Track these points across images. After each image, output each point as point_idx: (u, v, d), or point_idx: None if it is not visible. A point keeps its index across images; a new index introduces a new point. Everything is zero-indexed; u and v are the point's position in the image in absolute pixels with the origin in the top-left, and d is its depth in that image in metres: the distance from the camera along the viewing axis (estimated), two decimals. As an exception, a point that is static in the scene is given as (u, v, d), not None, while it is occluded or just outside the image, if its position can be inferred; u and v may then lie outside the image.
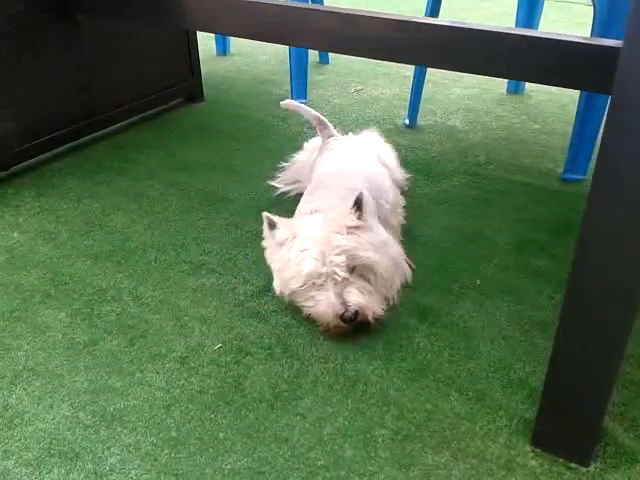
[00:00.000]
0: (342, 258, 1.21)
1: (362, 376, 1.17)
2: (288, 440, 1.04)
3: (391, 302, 1.32)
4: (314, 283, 1.23)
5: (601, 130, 0.80)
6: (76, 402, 1.12)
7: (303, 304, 1.27)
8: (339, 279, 1.21)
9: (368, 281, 1.26)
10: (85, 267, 1.48)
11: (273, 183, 1.79)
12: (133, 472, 0.99)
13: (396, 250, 1.38)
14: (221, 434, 1.05)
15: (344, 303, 1.20)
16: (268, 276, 1.43)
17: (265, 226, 1.31)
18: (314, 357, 1.21)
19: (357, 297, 1.21)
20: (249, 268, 1.47)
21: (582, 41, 1.08)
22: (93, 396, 1.13)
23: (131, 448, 1.03)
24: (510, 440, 1.03)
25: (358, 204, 1.28)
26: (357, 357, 1.21)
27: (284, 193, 1.76)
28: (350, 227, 1.25)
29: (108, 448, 1.04)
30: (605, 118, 0.79)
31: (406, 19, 1.32)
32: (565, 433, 0.99)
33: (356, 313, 1.20)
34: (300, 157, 1.81)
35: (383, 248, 1.31)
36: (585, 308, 0.89)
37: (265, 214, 1.30)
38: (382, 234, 1.36)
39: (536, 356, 1.20)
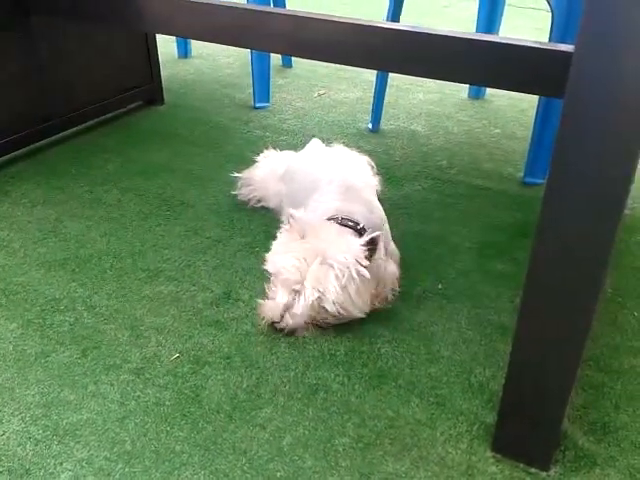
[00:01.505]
0: (314, 296, 1.20)
1: (323, 384, 1.15)
2: (247, 452, 1.01)
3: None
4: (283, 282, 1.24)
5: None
6: (27, 416, 1.08)
7: (269, 287, 1.29)
8: (298, 294, 1.22)
9: (319, 313, 1.24)
10: (38, 276, 1.43)
11: (235, 192, 1.75)
12: (85, 489, 0.96)
13: (390, 270, 1.36)
14: (178, 447, 1.02)
15: (283, 316, 1.23)
16: (228, 283, 1.41)
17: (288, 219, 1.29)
18: (274, 365, 1.19)
19: (296, 322, 1.23)
20: (209, 275, 1.44)
21: (536, 46, 1.09)
22: (45, 410, 1.09)
23: (84, 463, 1.00)
24: (471, 446, 1.03)
25: (373, 244, 1.23)
26: (318, 364, 1.19)
27: (246, 200, 1.73)
28: (350, 277, 1.20)
29: (60, 463, 1.00)
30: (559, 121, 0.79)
31: (359, 23, 1.31)
32: (525, 438, 0.99)
33: (282, 330, 1.25)
34: (255, 172, 1.75)
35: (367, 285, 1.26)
36: (542, 312, 0.89)
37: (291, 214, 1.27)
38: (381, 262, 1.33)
39: (496, 360, 1.20)
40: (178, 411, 1.09)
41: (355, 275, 1.20)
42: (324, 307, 1.21)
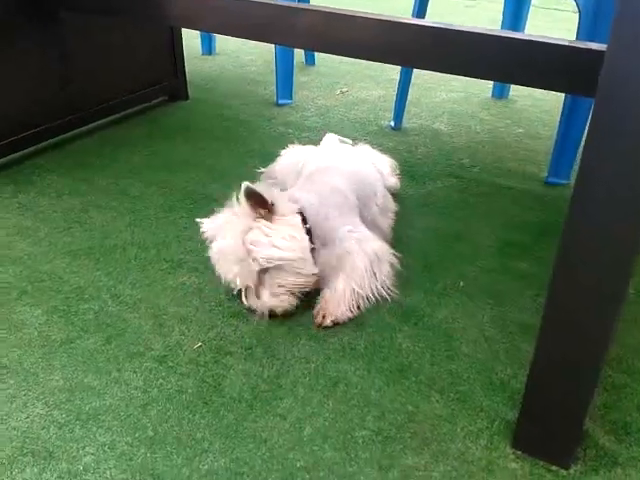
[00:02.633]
0: (260, 249, 1.22)
1: (343, 377, 1.15)
2: (267, 441, 1.02)
3: (372, 299, 1.32)
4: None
5: (585, 135, 0.80)
6: (51, 401, 1.10)
7: None
8: (253, 286, 1.26)
9: (282, 278, 1.26)
10: (63, 264, 1.45)
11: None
12: (108, 472, 0.97)
13: (378, 246, 1.37)
14: (199, 434, 1.03)
15: (258, 306, 1.27)
16: (250, 275, 1.42)
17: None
18: (295, 357, 1.20)
19: (267, 300, 1.26)
20: (231, 267, 1.45)
21: (567, 44, 1.09)
22: (68, 395, 1.11)
23: (106, 448, 1.01)
24: (491, 442, 1.02)
25: (251, 196, 1.26)
26: (338, 357, 1.20)
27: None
28: (253, 228, 1.25)
29: (83, 447, 1.01)
30: (589, 122, 0.78)
31: (391, 19, 1.31)
32: (546, 436, 0.99)
33: (269, 313, 1.27)
34: (276, 166, 1.77)
35: (299, 241, 1.28)
36: (567, 311, 0.89)
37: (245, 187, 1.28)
38: (357, 231, 1.37)
39: (518, 358, 1.19)
40: (200, 399, 1.10)
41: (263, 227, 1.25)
42: (270, 263, 1.23)
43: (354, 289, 1.30)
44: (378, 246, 1.37)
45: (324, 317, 1.27)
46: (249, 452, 1.00)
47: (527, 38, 1.10)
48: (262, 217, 1.27)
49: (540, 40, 1.12)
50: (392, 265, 1.38)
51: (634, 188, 0.77)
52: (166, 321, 1.28)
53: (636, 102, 0.73)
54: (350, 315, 1.28)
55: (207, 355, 1.19)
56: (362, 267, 1.31)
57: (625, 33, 0.72)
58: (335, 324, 1.27)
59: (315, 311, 1.29)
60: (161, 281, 1.40)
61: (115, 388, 1.12)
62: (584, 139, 0.79)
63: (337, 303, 1.28)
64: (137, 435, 1.03)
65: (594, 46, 1.04)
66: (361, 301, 1.31)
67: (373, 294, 1.32)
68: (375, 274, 1.33)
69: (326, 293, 1.30)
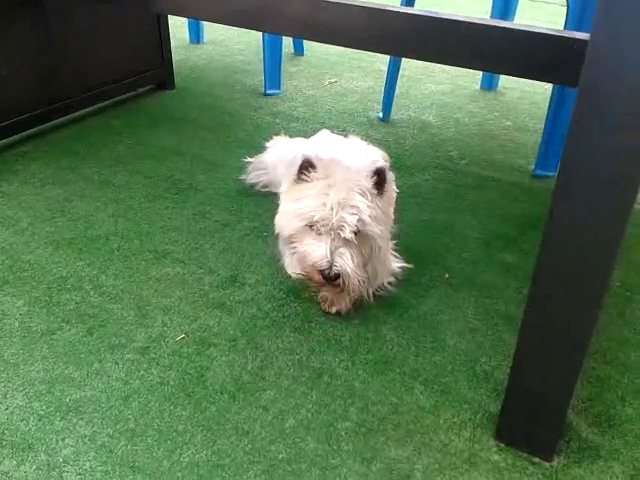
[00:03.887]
0: (354, 219, 1.17)
1: (327, 368, 1.15)
2: (249, 433, 1.01)
3: (368, 297, 1.31)
4: (317, 229, 1.19)
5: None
6: (31, 392, 1.08)
7: (295, 245, 1.23)
8: (341, 237, 1.18)
9: (361, 253, 1.22)
10: (46, 254, 1.44)
11: (244, 176, 1.76)
12: (87, 464, 0.96)
13: (386, 244, 1.36)
14: (180, 426, 1.02)
15: (331, 262, 1.17)
16: (234, 267, 1.41)
17: (297, 164, 1.24)
18: (279, 349, 1.19)
19: (346, 261, 1.18)
20: (216, 258, 1.44)
21: (552, 33, 1.07)
22: (49, 386, 1.10)
23: (86, 439, 1.00)
24: (474, 434, 1.02)
25: (380, 175, 1.22)
26: (323, 349, 1.19)
27: (253, 184, 1.73)
28: (372, 194, 1.21)
29: (62, 439, 1.00)
30: (572, 112, 0.78)
31: (379, 7, 1.30)
32: (529, 428, 0.98)
33: (337, 276, 1.17)
34: (265, 157, 1.75)
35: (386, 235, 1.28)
36: (549, 303, 0.89)
37: (306, 157, 1.22)
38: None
39: (502, 350, 1.19)
40: (182, 391, 1.09)
41: (374, 190, 1.20)
42: (365, 230, 1.19)
43: (361, 283, 1.27)
44: (386, 245, 1.36)
45: (331, 305, 1.28)
46: (231, 444, 0.99)
47: (513, 27, 1.09)
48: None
49: (526, 29, 1.10)
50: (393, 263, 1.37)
51: (614, 179, 0.77)
52: (149, 312, 1.27)
53: (618, 91, 0.73)
54: (350, 308, 1.29)
55: (190, 347, 1.18)
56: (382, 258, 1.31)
57: (607, 21, 0.71)
58: (337, 313, 1.28)
59: (321, 297, 1.30)
60: (144, 272, 1.38)
61: (96, 380, 1.11)
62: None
63: (344, 294, 1.27)
64: (118, 427, 1.02)
65: (579, 35, 1.03)
66: (365, 295, 1.30)
67: (375, 291, 1.32)
68: (378, 273, 1.33)
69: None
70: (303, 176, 1.23)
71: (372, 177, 1.21)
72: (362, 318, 1.27)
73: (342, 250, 1.18)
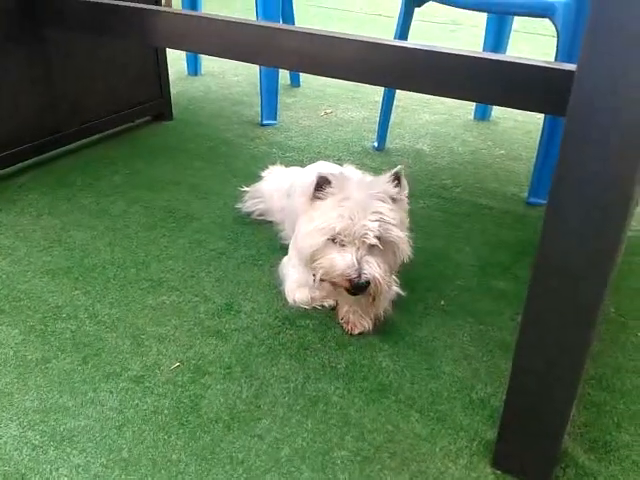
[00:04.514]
0: (376, 225, 1.18)
1: (323, 396, 1.14)
2: (244, 462, 1.01)
3: (379, 321, 1.31)
4: (340, 241, 1.20)
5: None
6: (25, 421, 1.08)
7: (319, 262, 1.23)
8: (366, 244, 1.19)
9: (387, 261, 1.23)
10: (42, 283, 1.44)
11: (241, 204, 1.77)
12: (81, 495, 0.95)
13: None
14: (174, 455, 1.02)
15: (359, 270, 1.18)
16: (230, 295, 1.41)
17: (312, 184, 1.26)
18: (274, 377, 1.19)
19: (374, 268, 1.19)
20: (212, 286, 1.44)
21: (541, 64, 1.10)
22: (43, 415, 1.09)
23: (80, 469, 0.99)
24: (471, 461, 1.02)
25: (398, 177, 1.25)
26: (319, 376, 1.19)
27: (249, 212, 1.75)
28: (392, 198, 1.23)
29: (56, 469, 0.99)
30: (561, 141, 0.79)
31: (374, 41, 1.33)
32: (525, 454, 0.98)
33: (367, 284, 1.18)
34: (261, 186, 1.77)
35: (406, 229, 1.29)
36: (543, 330, 0.89)
37: (321, 174, 1.25)
38: None
39: (498, 377, 1.19)
40: (176, 420, 1.08)
41: (395, 197, 1.23)
42: (388, 235, 1.20)
43: (377, 302, 1.29)
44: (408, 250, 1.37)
45: (354, 327, 1.29)
46: (225, 474, 0.99)
47: (502, 59, 1.12)
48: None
49: (515, 61, 1.14)
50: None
51: (603, 206, 0.78)
52: (144, 341, 1.26)
53: (604, 121, 0.74)
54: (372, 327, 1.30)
55: (185, 375, 1.18)
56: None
57: (593, 53, 0.73)
58: (360, 334, 1.29)
59: (343, 320, 1.31)
60: (140, 300, 1.39)
61: (90, 409, 1.11)
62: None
63: (364, 313, 1.29)
64: (112, 456, 1.01)
65: (567, 66, 1.06)
66: (381, 312, 1.31)
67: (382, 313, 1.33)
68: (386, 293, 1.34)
69: (352, 302, 1.30)
70: (319, 194, 1.24)
71: (392, 181, 1.24)
72: (357, 345, 1.27)
73: (368, 258, 1.19)
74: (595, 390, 1.17)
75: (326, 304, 1.37)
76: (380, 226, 1.19)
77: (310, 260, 1.25)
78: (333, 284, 1.24)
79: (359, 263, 1.18)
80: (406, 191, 1.29)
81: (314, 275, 1.26)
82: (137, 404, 1.11)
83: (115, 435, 1.05)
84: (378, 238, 1.19)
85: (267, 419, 1.09)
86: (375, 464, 1.01)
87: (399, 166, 1.26)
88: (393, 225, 1.21)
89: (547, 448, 0.96)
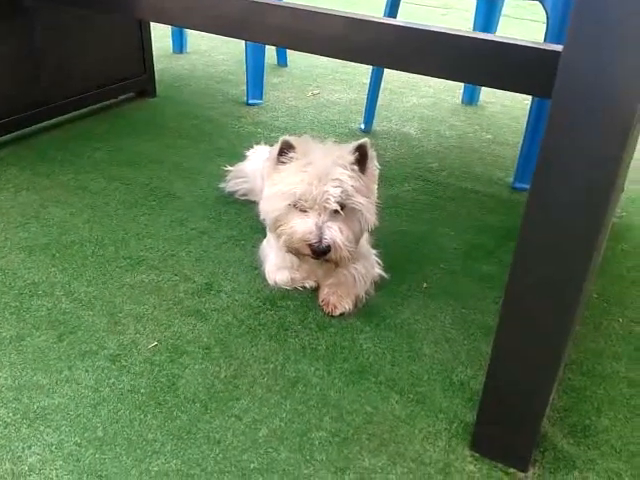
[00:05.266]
0: (337, 191, 1.18)
1: (302, 377, 1.13)
2: (221, 442, 0.99)
3: (360, 302, 1.32)
4: (301, 206, 1.20)
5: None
6: (-3, 399, 1.06)
7: (282, 227, 1.23)
8: (327, 209, 1.19)
9: (350, 227, 1.23)
10: (18, 260, 1.41)
11: (224, 184, 1.74)
12: (54, 473, 0.93)
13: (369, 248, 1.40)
14: (150, 435, 1.00)
15: (320, 235, 1.18)
16: (210, 274, 1.39)
17: (276, 148, 1.27)
18: (254, 357, 1.17)
19: (335, 233, 1.19)
20: (192, 265, 1.42)
21: (528, 45, 1.08)
22: (16, 393, 1.07)
23: (53, 448, 0.97)
24: (449, 444, 1.01)
25: (362, 151, 1.24)
26: (299, 357, 1.18)
27: (232, 192, 1.72)
28: (353, 166, 1.22)
29: (29, 447, 0.97)
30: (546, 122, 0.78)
31: (358, 17, 1.30)
32: (504, 438, 0.97)
33: (327, 248, 1.19)
34: (245, 165, 1.74)
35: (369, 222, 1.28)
36: (523, 313, 0.88)
37: (284, 139, 1.25)
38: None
39: (478, 359, 1.18)
40: (153, 399, 1.06)
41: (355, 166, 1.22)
42: (350, 202, 1.20)
43: (358, 283, 1.31)
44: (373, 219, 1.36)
45: (335, 308, 1.28)
46: (202, 453, 0.97)
47: (488, 38, 1.10)
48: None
49: (501, 41, 1.11)
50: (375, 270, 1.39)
51: (586, 190, 0.77)
52: (121, 319, 1.24)
53: (590, 103, 0.73)
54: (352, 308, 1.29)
55: (162, 354, 1.16)
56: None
57: (580, 34, 0.72)
58: (341, 315, 1.28)
59: (323, 301, 1.30)
60: (118, 278, 1.36)
61: (65, 387, 1.08)
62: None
63: (344, 294, 1.29)
64: (86, 435, 1.00)
65: (552, 47, 1.04)
66: (362, 294, 1.32)
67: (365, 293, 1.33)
68: (369, 273, 1.35)
69: (333, 284, 1.31)
70: (283, 158, 1.23)
71: (354, 152, 1.23)
72: (338, 327, 1.25)
73: (330, 223, 1.19)
74: (575, 375, 1.17)
75: (307, 285, 1.35)
76: (342, 192, 1.19)
77: (274, 226, 1.26)
78: (297, 252, 1.24)
79: (320, 228, 1.18)
80: (374, 162, 1.29)
81: (279, 241, 1.26)
82: (113, 383, 1.09)
83: (90, 414, 1.03)
84: (341, 205, 1.19)
85: (245, 399, 1.08)
86: (353, 445, 1.00)
87: (365, 139, 1.25)
88: (356, 192, 1.21)
89: (526, 432, 0.96)
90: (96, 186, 1.74)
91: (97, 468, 0.94)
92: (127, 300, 1.30)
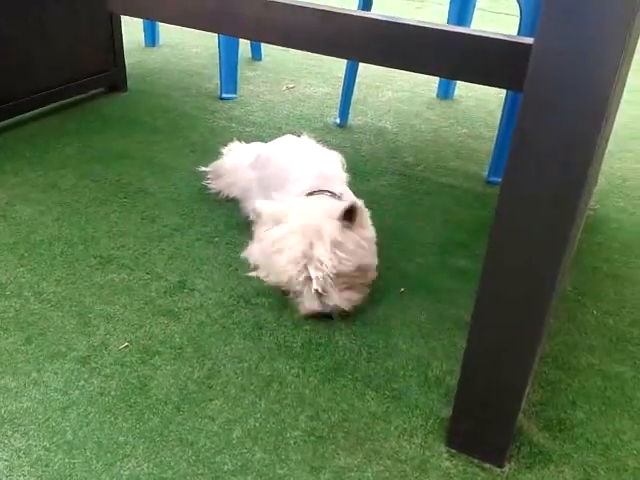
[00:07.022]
0: (321, 274, 1.19)
1: (277, 376, 1.12)
2: (194, 444, 0.97)
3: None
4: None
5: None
6: (-38, 404, 1.02)
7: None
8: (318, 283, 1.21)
9: (351, 276, 1.25)
10: (-16, 260, 1.37)
11: (207, 183, 1.71)
12: (21, 479, 0.91)
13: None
14: (121, 438, 0.98)
15: (321, 308, 1.22)
16: (183, 272, 1.37)
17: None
18: (227, 357, 1.15)
19: (334, 298, 1.22)
20: (164, 264, 1.39)
21: (499, 37, 1.08)
22: (-18, 398, 1.04)
23: (21, 453, 0.95)
24: (425, 440, 1.00)
25: (351, 213, 1.25)
26: (273, 356, 1.16)
27: (218, 191, 1.68)
28: (336, 241, 1.22)
29: (-5, 454, 0.95)
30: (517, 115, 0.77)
31: (330, 10, 1.29)
32: (479, 433, 0.97)
33: (334, 307, 1.23)
34: (226, 161, 1.71)
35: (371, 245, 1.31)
36: (497, 307, 0.88)
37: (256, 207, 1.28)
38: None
39: (454, 354, 1.18)
40: (123, 401, 1.04)
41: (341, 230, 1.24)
42: (339, 270, 1.21)
43: None
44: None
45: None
46: (174, 456, 0.95)
47: (459, 31, 1.10)
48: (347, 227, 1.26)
49: (472, 34, 1.11)
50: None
51: (558, 183, 0.76)
52: (91, 320, 1.21)
53: (560, 96, 0.73)
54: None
55: (133, 355, 1.14)
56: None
57: (551, 27, 0.71)
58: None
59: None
60: (88, 278, 1.33)
61: (34, 390, 1.06)
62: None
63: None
64: (55, 440, 0.97)
65: (524, 40, 1.04)
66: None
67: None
68: None
69: None
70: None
71: (342, 219, 1.24)
72: (314, 324, 1.24)
73: (328, 289, 1.22)
74: (550, 368, 1.17)
75: None
76: (323, 277, 1.20)
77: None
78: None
79: (319, 301, 1.22)
80: (365, 221, 1.31)
81: None
82: (83, 385, 1.07)
83: (59, 417, 1.01)
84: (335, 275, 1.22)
85: (219, 400, 1.06)
86: (329, 444, 0.99)
87: (352, 201, 1.26)
88: (340, 266, 1.21)
89: (502, 427, 0.95)
90: (66, 183, 1.70)
91: (66, 473, 0.92)
92: (97, 300, 1.27)
